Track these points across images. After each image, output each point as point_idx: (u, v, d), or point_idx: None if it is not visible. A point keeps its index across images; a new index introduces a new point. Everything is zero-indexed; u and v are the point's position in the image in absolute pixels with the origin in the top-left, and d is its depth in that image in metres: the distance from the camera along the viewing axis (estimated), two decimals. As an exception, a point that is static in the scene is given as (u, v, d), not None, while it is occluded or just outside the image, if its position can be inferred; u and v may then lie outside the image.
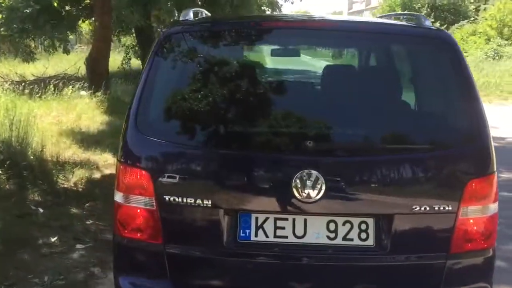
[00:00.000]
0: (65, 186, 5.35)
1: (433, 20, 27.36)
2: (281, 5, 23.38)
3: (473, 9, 29.55)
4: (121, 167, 2.40)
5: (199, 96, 2.37)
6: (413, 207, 2.24)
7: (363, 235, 2.26)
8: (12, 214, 4.46)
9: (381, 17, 3.80)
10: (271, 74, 2.88)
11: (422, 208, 2.23)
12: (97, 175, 5.90)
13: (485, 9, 27.05)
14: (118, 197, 2.40)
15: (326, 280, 2.30)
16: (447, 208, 2.24)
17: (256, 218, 2.28)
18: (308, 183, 2.19)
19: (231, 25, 2.66)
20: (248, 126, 2.37)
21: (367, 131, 2.35)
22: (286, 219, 2.28)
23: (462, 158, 2.31)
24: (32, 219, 4.48)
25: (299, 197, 2.21)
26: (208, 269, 2.34)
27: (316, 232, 2.27)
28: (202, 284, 2.36)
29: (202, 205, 2.26)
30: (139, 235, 2.36)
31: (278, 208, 2.27)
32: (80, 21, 12.24)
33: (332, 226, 2.27)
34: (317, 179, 2.19)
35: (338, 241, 2.27)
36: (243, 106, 2.40)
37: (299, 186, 2.20)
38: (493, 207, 2.33)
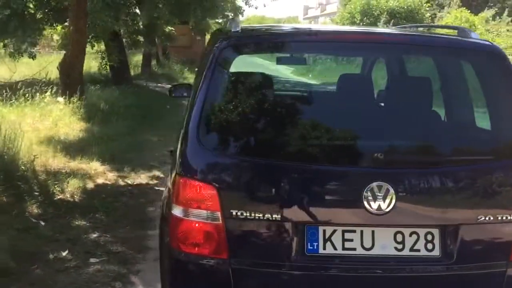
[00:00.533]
0: (62, 197, 5.17)
1: (393, 27, 28.09)
2: (243, 9, 23.52)
3: (429, 16, 30.46)
4: (181, 181, 2.33)
5: (264, 110, 2.34)
6: (478, 217, 2.28)
7: (429, 246, 2.28)
8: (15, 228, 4.27)
9: (409, 27, 3.84)
10: (331, 87, 2.88)
11: (487, 218, 2.27)
12: (91, 184, 5.74)
13: (441, 18, 27.94)
14: (177, 211, 2.33)
15: None
16: (509, 217, 2.30)
17: (324, 231, 2.27)
18: (379, 195, 2.20)
19: (290, 36, 2.62)
20: (317, 139, 2.35)
21: (433, 143, 2.38)
22: (354, 231, 2.27)
23: None
24: (37, 233, 4.31)
25: (370, 209, 2.21)
26: (275, 283, 2.30)
27: (383, 243, 2.27)
28: None
29: (270, 218, 2.23)
30: (202, 250, 2.30)
31: (346, 220, 2.27)
32: (49, 25, 11.86)
33: (399, 237, 2.28)
34: (387, 191, 2.20)
35: (406, 252, 2.28)
36: (310, 119, 2.39)
37: (370, 198, 2.20)
38: None
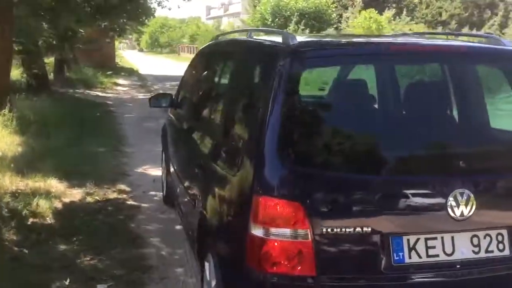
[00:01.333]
0: (36, 220, 4.80)
1: (303, 27, 28.93)
2: (155, 9, 23.14)
3: (335, 17, 31.74)
4: (261, 199, 2.26)
5: (342, 123, 2.33)
6: None
7: (501, 246, 2.40)
8: (4, 258, 3.91)
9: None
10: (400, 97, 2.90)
11: None
12: (59, 204, 5.36)
13: (348, 18, 29.21)
14: (258, 231, 2.26)
15: None
16: None
17: (408, 240, 2.31)
18: (462, 201, 2.27)
19: (362, 47, 2.62)
20: (398, 151, 2.37)
21: (500, 150, 2.50)
22: (436, 238, 2.33)
23: None
24: (26, 262, 3.96)
25: (453, 216, 2.28)
26: (365, 296, 2.31)
27: (462, 248, 2.35)
28: None
29: (361, 232, 2.23)
30: (289, 269, 2.25)
31: (428, 228, 2.32)
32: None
33: (475, 241, 2.37)
34: (469, 197, 2.28)
35: (482, 254, 2.37)
36: (389, 130, 2.41)
37: (453, 205, 2.27)
38: None
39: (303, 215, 2.22)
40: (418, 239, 2.32)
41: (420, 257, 2.31)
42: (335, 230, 2.22)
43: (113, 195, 5.82)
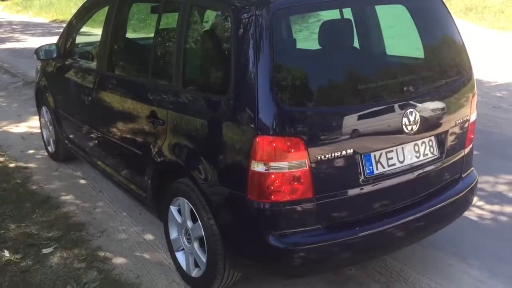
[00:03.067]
0: None
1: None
2: None
3: None
4: (262, 139, 2.53)
5: (325, 63, 2.69)
6: (455, 122, 3.14)
7: (432, 150, 3.06)
8: None
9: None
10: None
11: (458, 122, 3.16)
12: None
13: None
14: (260, 167, 2.57)
15: (418, 187, 3.05)
16: (467, 118, 3.22)
17: (374, 156, 2.82)
18: (411, 118, 2.85)
19: None
20: (364, 83, 2.81)
21: (428, 74, 3.14)
22: (392, 151, 2.88)
23: None
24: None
25: (406, 131, 2.85)
26: (349, 205, 2.79)
27: (409, 155, 2.94)
28: (346, 216, 2.80)
29: (345, 154, 2.67)
30: (291, 196, 2.61)
31: (387, 143, 2.86)
32: None
33: (416, 148, 2.97)
34: (415, 114, 2.87)
35: (421, 158, 3.00)
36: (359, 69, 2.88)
37: (406, 122, 2.84)
38: None
39: (301, 147, 2.58)
40: (381, 154, 2.85)
41: (383, 167, 2.86)
42: (326, 156, 2.63)
43: (-11, 161, 5.39)
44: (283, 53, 2.69)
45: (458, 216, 3.37)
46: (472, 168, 3.46)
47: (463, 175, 3.32)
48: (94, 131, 4.23)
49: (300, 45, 3.49)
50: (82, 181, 4.90)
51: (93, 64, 4.30)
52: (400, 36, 3.40)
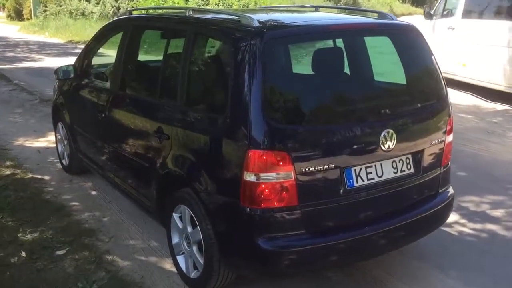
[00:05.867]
0: None
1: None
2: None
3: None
4: (253, 152, 2.88)
5: (313, 87, 3.10)
6: (431, 142, 3.48)
7: (408, 166, 3.39)
8: None
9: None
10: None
11: (433, 142, 3.50)
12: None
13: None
14: (252, 177, 2.91)
15: (396, 199, 3.37)
16: (442, 139, 3.56)
17: (355, 170, 3.15)
18: (388, 138, 3.19)
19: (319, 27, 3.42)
20: (345, 105, 3.18)
21: (406, 99, 3.49)
22: (371, 166, 3.22)
23: None
24: None
25: (383, 149, 3.18)
26: (331, 213, 3.11)
27: (388, 170, 3.27)
28: (328, 222, 3.11)
29: (327, 168, 3.01)
30: (279, 203, 2.95)
31: (367, 159, 3.19)
32: None
33: (394, 165, 3.30)
34: (392, 134, 3.20)
35: (398, 173, 3.33)
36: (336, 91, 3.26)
37: (383, 141, 3.17)
38: None
39: (288, 161, 2.92)
40: (361, 168, 3.19)
41: (363, 181, 3.19)
42: (310, 169, 2.98)
43: (7, 172, 5.77)
44: (275, 77, 3.06)
45: (435, 229, 3.69)
46: (449, 185, 3.78)
47: (440, 191, 3.64)
48: (106, 145, 4.61)
49: (304, 69, 3.86)
50: (93, 192, 5.27)
51: (107, 84, 4.70)
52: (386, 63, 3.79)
